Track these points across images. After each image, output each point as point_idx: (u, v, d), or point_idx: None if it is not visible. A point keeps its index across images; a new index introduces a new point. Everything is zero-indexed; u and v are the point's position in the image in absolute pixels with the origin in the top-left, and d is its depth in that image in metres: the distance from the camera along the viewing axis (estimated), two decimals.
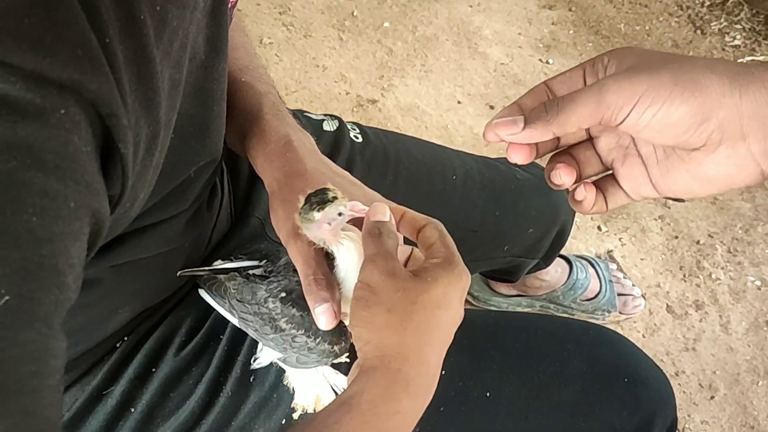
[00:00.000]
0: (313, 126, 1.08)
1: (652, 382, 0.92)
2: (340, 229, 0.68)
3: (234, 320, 0.83)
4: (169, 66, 0.58)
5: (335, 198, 0.66)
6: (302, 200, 0.67)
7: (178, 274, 0.85)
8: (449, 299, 0.63)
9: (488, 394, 0.86)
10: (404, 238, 0.72)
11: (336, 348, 0.76)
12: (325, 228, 0.67)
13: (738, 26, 2.47)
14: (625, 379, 0.90)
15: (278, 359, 0.83)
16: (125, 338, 0.85)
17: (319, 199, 0.66)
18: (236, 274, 0.83)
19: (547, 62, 2.33)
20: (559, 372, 0.89)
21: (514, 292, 1.77)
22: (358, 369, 0.63)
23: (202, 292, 0.86)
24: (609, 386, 0.90)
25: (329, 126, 1.10)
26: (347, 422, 0.57)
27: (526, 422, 0.87)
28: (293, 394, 0.84)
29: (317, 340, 0.75)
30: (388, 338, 0.61)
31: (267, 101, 0.86)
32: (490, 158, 1.28)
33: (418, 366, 0.61)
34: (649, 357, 0.96)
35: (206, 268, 0.86)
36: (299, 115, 1.10)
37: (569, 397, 0.88)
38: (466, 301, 1.77)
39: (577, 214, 1.88)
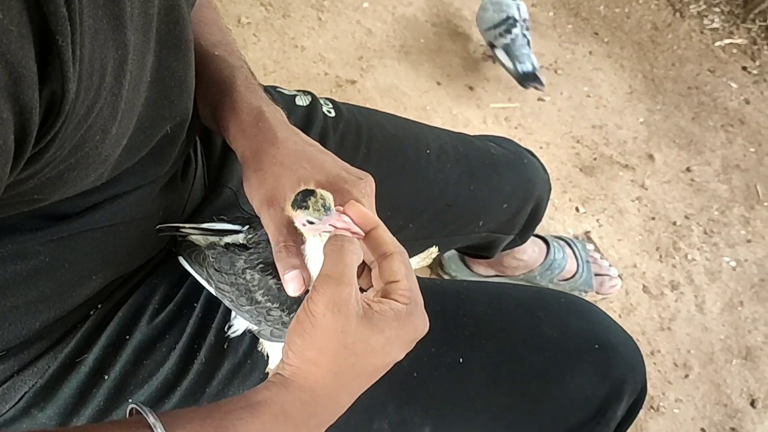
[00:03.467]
0: (285, 101, 1.09)
1: (622, 348, 0.93)
2: (317, 229, 0.68)
3: (211, 289, 0.83)
4: None
5: (306, 208, 0.65)
6: (291, 196, 0.67)
7: (157, 227, 0.85)
8: (389, 350, 0.63)
9: (461, 360, 0.86)
10: None
11: None
12: (300, 225, 0.68)
13: (716, 9, 2.48)
14: (596, 346, 0.91)
15: (253, 330, 0.84)
16: (98, 306, 0.84)
17: (297, 202, 0.66)
18: (216, 242, 0.83)
19: None
20: (531, 339, 0.90)
21: (492, 272, 1.78)
22: (277, 376, 0.63)
23: (181, 259, 0.86)
24: (580, 353, 0.91)
25: (302, 101, 1.10)
26: (236, 411, 0.58)
27: (497, 388, 0.88)
28: (267, 360, 0.84)
29: (291, 315, 0.75)
30: (311, 373, 0.62)
31: (240, 74, 0.86)
32: (464, 134, 1.28)
33: (324, 401, 0.63)
34: (618, 325, 0.97)
35: (187, 225, 0.86)
36: (272, 90, 1.10)
37: (540, 364, 0.89)
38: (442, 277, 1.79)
39: (554, 194, 1.89)
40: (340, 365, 0.61)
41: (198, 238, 0.87)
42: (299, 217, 0.66)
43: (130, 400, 0.83)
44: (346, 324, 0.60)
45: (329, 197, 0.65)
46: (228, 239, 0.84)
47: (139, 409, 0.55)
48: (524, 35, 2.05)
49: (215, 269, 0.80)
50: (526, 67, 2.01)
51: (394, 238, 0.68)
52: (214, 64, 0.87)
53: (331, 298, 0.60)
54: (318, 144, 0.81)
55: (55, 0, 0.45)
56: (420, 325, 0.65)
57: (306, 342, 0.61)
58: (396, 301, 0.64)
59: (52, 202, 0.64)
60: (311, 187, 0.66)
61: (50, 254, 0.72)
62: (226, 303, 0.83)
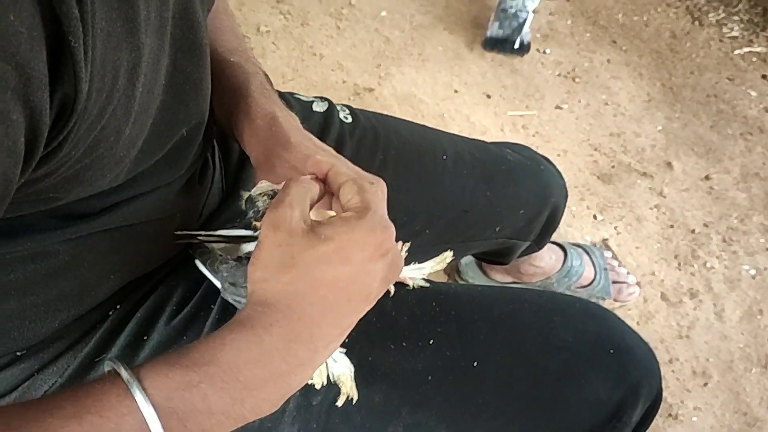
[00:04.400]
0: (302, 107, 1.10)
1: (638, 352, 0.93)
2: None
3: (228, 298, 0.84)
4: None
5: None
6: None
7: (175, 232, 0.86)
8: (346, 255, 0.59)
9: (475, 364, 0.87)
10: None
11: None
12: None
13: (736, 17, 2.47)
14: (611, 351, 0.91)
15: None
16: (117, 306, 0.86)
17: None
18: (228, 257, 0.84)
19: (545, 52, 2.33)
20: (546, 343, 0.90)
21: (509, 279, 1.78)
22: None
23: (198, 263, 0.87)
24: (595, 357, 0.90)
25: (319, 107, 1.11)
26: (206, 343, 0.57)
27: (512, 392, 0.88)
28: None
29: None
30: (263, 290, 0.60)
31: (255, 80, 0.87)
32: (480, 140, 1.28)
33: (285, 313, 0.59)
34: (634, 330, 0.97)
35: (204, 233, 0.87)
36: (289, 96, 1.11)
37: (555, 368, 0.89)
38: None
39: (571, 201, 1.89)
40: (290, 277, 0.59)
41: (213, 246, 0.88)
42: None
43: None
44: (288, 239, 0.59)
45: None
46: (247, 248, 0.85)
47: (113, 365, 0.54)
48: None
49: (230, 283, 0.81)
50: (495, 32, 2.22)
51: (355, 169, 0.68)
52: (230, 71, 0.88)
53: (270, 219, 0.60)
54: (331, 149, 0.82)
55: (67, 2, 0.46)
56: (378, 226, 0.61)
57: (253, 265, 0.60)
58: (345, 213, 0.62)
59: (69, 201, 0.65)
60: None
61: (69, 254, 0.73)
62: None
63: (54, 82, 0.48)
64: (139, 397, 0.51)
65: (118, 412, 0.50)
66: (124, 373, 0.52)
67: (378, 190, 0.70)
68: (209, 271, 0.85)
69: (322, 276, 0.59)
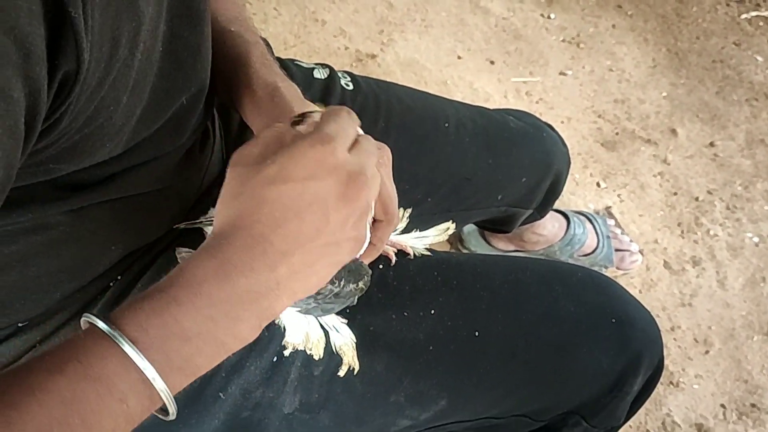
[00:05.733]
0: (303, 74, 1.09)
1: (639, 322, 0.93)
2: None
3: None
4: None
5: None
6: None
7: (174, 227, 0.86)
8: (287, 173, 0.58)
9: (477, 333, 0.87)
10: None
11: (360, 284, 0.74)
12: None
13: None
14: (613, 320, 0.91)
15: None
16: (118, 278, 0.85)
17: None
18: None
19: (549, 17, 2.31)
20: (547, 312, 0.90)
21: (512, 247, 1.78)
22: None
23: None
24: (596, 327, 0.90)
25: (320, 74, 1.10)
26: (196, 259, 0.56)
27: (513, 361, 0.88)
28: (284, 332, 0.85)
29: (341, 283, 0.73)
30: (222, 216, 0.60)
31: (255, 50, 0.86)
32: (483, 107, 1.27)
33: (258, 233, 0.57)
34: (636, 299, 0.97)
35: (206, 219, 0.87)
36: (290, 63, 1.10)
37: (557, 337, 0.89)
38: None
39: (574, 168, 1.88)
40: (238, 202, 0.58)
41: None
42: None
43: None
44: (242, 170, 0.59)
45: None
46: None
47: (87, 319, 0.53)
48: None
49: None
50: None
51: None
52: (230, 40, 0.87)
53: (232, 158, 0.61)
54: None
55: None
56: (317, 143, 0.60)
57: (217, 204, 0.61)
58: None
59: (70, 171, 0.65)
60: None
61: (70, 225, 0.73)
62: None
63: (55, 56, 0.47)
64: (113, 333, 0.50)
65: (99, 355, 0.49)
66: (96, 319, 0.51)
67: (384, 157, 0.70)
68: None
69: (266, 194, 0.58)
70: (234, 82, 0.84)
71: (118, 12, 0.53)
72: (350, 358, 0.82)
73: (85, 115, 0.56)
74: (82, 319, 0.54)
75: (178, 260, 0.86)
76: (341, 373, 0.83)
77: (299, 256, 0.59)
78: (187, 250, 0.86)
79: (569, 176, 1.40)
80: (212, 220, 0.87)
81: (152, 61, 0.65)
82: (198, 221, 0.89)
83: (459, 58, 2.18)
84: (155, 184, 0.80)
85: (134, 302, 0.53)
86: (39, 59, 0.45)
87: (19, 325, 0.80)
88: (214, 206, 0.89)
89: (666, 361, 1.50)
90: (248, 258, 0.57)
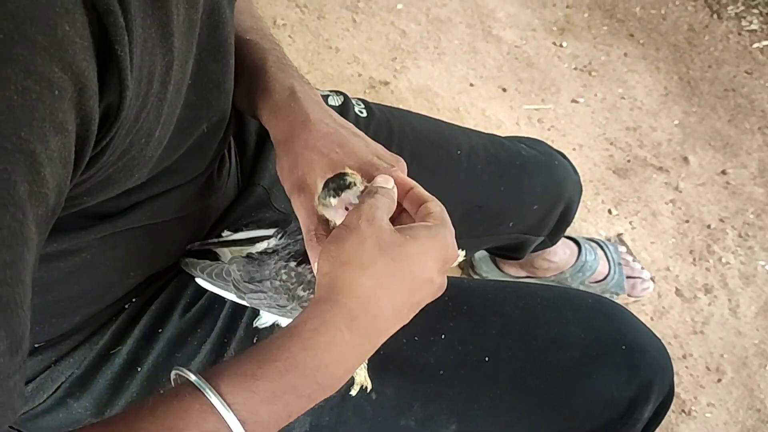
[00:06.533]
0: None
1: (650, 349, 0.93)
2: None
3: (241, 302, 0.84)
4: (185, 2, 0.60)
5: (352, 184, 0.67)
6: (320, 185, 0.68)
7: (188, 248, 0.87)
8: (423, 258, 0.64)
9: (487, 359, 0.87)
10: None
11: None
12: (341, 213, 0.68)
13: (755, 11, 2.45)
14: (623, 347, 0.91)
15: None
16: (133, 300, 0.87)
17: (337, 185, 0.67)
18: (237, 257, 0.84)
19: (561, 45, 2.32)
20: (558, 338, 0.90)
21: (523, 273, 1.78)
22: (312, 298, 0.64)
23: (200, 281, 0.87)
24: (607, 353, 0.90)
25: (334, 101, 1.12)
26: (288, 348, 0.58)
27: (523, 387, 0.88)
28: None
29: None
30: (344, 274, 0.62)
31: (271, 56, 0.87)
32: (495, 135, 1.28)
33: (366, 305, 0.62)
34: (646, 326, 0.97)
35: (218, 240, 0.88)
36: None
37: (567, 363, 0.89)
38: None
39: (586, 195, 1.88)
40: (375, 264, 0.62)
41: (224, 251, 0.88)
42: (341, 202, 0.67)
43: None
44: (380, 233, 0.63)
45: (358, 177, 0.68)
46: (260, 246, 0.85)
47: (187, 376, 0.55)
48: None
49: (245, 282, 0.81)
50: None
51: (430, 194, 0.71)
52: (247, 49, 0.88)
53: (365, 212, 0.64)
54: (351, 125, 0.82)
55: (113, 12, 0.47)
56: (450, 243, 0.66)
57: (339, 247, 0.62)
58: (426, 221, 0.67)
59: (97, 202, 0.66)
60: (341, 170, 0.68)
61: (92, 252, 0.74)
62: (263, 310, 0.84)
63: (101, 90, 0.49)
64: (231, 418, 0.53)
65: (204, 430, 0.52)
66: (208, 391, 0.53)
67: (400, 172, 0.74)
68: (214, 283, 0.85)
69: (403, 274, 0.63)
70: (252, 89, 0.85)
71: (153, 48, 0.54)
72: (362, 378, 0.82)
73: (121, 148, 0.57)
74: (175, 372, 0.58)
75: (182, 267, 0.88)
76: (353, 392, 0.83)
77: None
78: (190, 260, 0.88)
79: (581, 203, 1.41)
80: (224, 242, 0.88)
81: (181, 93, 0.66)
82: (209, 241, 0.90)
83: (471, 85, 2.19)
84: (177, 211, 0.82)
85: (247, 380, 0.56)
86: (92, 93, 0.47)
87: (36, 345, 0.81)
88: (228, 229, 0.91)
89: (678, 389, 1.49)
90: (366, 343, 0.63)
